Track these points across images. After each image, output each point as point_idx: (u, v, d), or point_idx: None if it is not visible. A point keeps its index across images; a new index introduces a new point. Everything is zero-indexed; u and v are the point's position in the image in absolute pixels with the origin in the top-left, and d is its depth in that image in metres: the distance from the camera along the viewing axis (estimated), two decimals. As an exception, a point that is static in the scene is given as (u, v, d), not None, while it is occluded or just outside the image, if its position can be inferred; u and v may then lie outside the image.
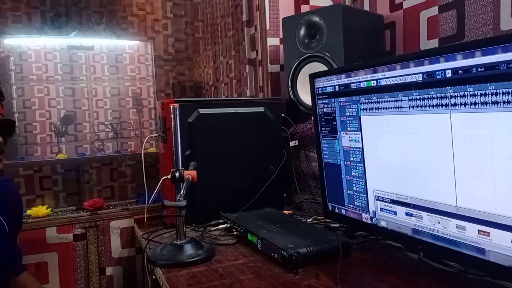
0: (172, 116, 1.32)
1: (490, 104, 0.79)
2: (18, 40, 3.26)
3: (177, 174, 1.24)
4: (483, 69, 0.80)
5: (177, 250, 1.18)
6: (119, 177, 3.25)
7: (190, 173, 1.26)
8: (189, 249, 1.18)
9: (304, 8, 1.96)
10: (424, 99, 0.93)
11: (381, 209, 1.11)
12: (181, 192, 1.19)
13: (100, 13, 3.30)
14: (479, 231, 0.85)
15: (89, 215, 1.74)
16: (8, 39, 3.22)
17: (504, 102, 0.76)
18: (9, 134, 1.12)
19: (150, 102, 3.57)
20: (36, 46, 3.33)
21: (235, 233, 1.36)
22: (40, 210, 1.71)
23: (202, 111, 1.54)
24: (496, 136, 0.79)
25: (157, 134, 1.66)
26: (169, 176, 1.25)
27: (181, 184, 1.24)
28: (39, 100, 3.32)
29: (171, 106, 1.32)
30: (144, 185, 1.61)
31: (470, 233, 0.87)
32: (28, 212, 1.71)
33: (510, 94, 0.75)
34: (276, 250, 1.09)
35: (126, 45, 3.53)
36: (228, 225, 1.40)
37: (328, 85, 1.25)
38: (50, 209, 1.76)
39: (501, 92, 0.76)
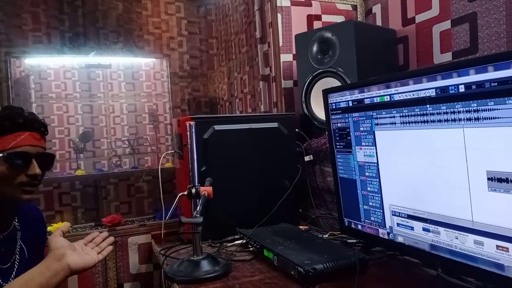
0: (188, 133, 1.34)
1: (502, 119, 0.79)
2: (38, 59, 3.37)
3: (193, 191, 1.26)
4: (496, 83, 0.80)
5: (194, 266, 1.19)
6: (136, 192, 3.30)
7: (206, 189, 1.27)
8: (206, 265, 1.19)
9: (317, 25, 1.98)
10: (438, 113, 0.93)
11: (398, 225, 1.10)
12: (198, 209, 1.21)
13: (117, 32, 3.39)
14: (497, 246, 0.83)
15: (107, 231, 1.76)
16: (29, 59, 3.33)
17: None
18: (48, 168, 1.17)
19: (166, 118, 3.63)
20: (56, 65, 3.43)
21: (251, 249, 1.36)
22: (59, 227, 1.74)
23: (217, 127, 1.57)
24: (506, 150, 0.78)
25: (173, 151, 1.69)
26: (185, 193, 1.27)
27: (198, 200, 1.26)
28: (58, 117, 3.41)
29: (187, 124, 1.35)
30: (161, 201, 1.63)
31: (488, 248, 0.86)
32: (48, 228, 1.74)
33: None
34: (292, 266, 1.09)
35: (142, 63, 3.61)
36: (244, 241, 1.41)
37: (342, 100, 1.25)
38: (71, 226, 1.79)
39: (515, 107, 0.76)
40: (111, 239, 1.20)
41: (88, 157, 3.44)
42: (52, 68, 3.43)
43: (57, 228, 1.12)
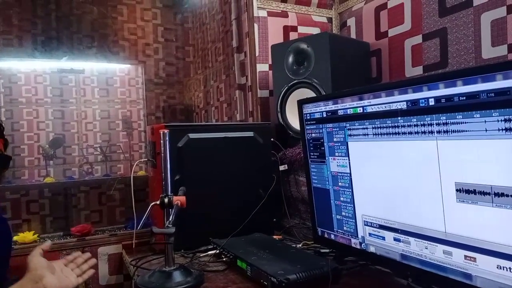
0: (162, 141, 1.32)
1: (470, 132, 0.81)
2: (8, 63, 3.26)
3: (166, 200, 1.24)
4: (464, 98, 0.82)
5: (166, 277, 1.17)
6: (107, 201, 3.22)
7: (179, 199, 1.26)
8: (178, 276, 1.16)
9: (293, 36, 2.00)
10: (409, 126, 0.95)
11: (370, 234, 1.11)
12: (170, 219, 1.19)
13: (91, 37, 3.33)
14: (465, 256, 0.85)
15: (76, 241, 1.71)
16: (-2, 62, 3.22)
17: (486, 130, 0.78)
18: (3, 168, 1.15)
19: (140, 125, 3.57)
20: (27, 69, 3.33)
21: (224, 259, 1.35)
22: (26, 236, 1.68)
23: (192, 135, 1.55)
24: (473, 162, 0.81)
25: (147, 159, 1.66)
26: (158, 202, 1.25)
27: (170, 209, 1.24)
28: (27, 122, 3.31)
29: (161, 132, 1.33)
30: (133, 210, 1.59)
31: (456, 258, 0.87)
32: (15, 238, 1.68)
33: (489, 122, 0.77)
34: (265, 276, 1.09)
35: (117, 68, 3.55)
36: (218, 251, 1.39)
37: (316, 111, 1.27)
38: (37, 235, 1.73)
39: (483, 121, 0.79)
40: (93, 261, 1.17)
41: (58, 164, 3.34)
42: (22, 72, 3.32)
43: (37, 247, 1.08)
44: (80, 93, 3.47)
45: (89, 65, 3.44)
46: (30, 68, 3.34)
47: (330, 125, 1.21)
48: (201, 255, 1.43)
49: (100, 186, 3.21)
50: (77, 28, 3.28)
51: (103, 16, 3.35)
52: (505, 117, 0.74)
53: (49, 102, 3.38)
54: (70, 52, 3.25)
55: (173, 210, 1.22)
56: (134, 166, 1.73)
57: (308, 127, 1.31)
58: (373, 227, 1.10)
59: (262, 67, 1.98)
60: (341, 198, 1.20)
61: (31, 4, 3.13)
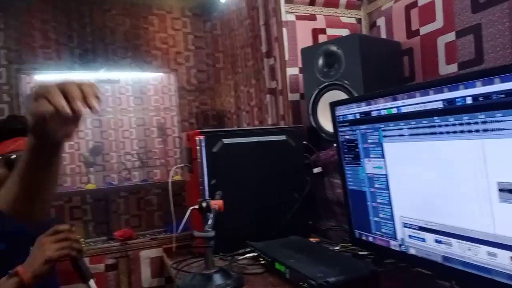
0: (198, 147, 1.36)
1: (510, 130, 0.80)
2: (48, 75, 3.41)
3: (204, 205, 1.28)
4: (503, 95, 0.81)
5: (207, 280, 1.20)
6: (145, 205, 3.31)
7: (217, 203, 1.29)
8: (218, 279, 1.20)
9: (322, 38, 2.00)
10: (446, 125, 0.95)
11: (410, 236, 1.11)
12: (209, 223, 1.22)
13: (125, 48, 3.44)
14: (511, 257, 0.84)
15: (119, 245, 1.78)
16: (39, 75, 3.38)
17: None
18: None
19: (174, 131, 3.65)
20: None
21: (262, 262, 1.37)
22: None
23: (226, 141, 1.59)
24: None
25: (183, 164, 1.71)
26: (196, 206, 1.28)
27: (208, 214, 1.27)
28: (68, 132, 3.44)
29: (197, 138, 1.37)
30: (172, 214, 1.64)
31: (501, 260, 0.86)
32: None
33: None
34: (304, 279, 1.10)
35: (150, 77, 3.65)
36: (256, 254, 1.41)
37: (349, 113, 1.27)
38: (82, 240, 1.81)
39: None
40: None
41: (98, 171, 3.46)
42: (61, 84, 3.47)
43: None
44: (116, 102, 3.59)
45: (124, 75, 3.55)
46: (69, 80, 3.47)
47: (364, 126, 1.21)
48: (239, 258, 1.46)
49: (138, 191, 3.30)
50: (111, 40, 3.40)
51: (135, 27, 3.45)
52: (547, 114, 0.73)
53: (88, 112, 3.51)
54: (106, 63, 3.37)
55: (211, 214, 1.25)
56: (172, 171, 1.78)
57: (341, 129, 1.32)
58: (412, 228, 1.09)
59: (292, 71, 1.99)
60: (378, 200, 1.20)
61: (66, 18, 3.27)
